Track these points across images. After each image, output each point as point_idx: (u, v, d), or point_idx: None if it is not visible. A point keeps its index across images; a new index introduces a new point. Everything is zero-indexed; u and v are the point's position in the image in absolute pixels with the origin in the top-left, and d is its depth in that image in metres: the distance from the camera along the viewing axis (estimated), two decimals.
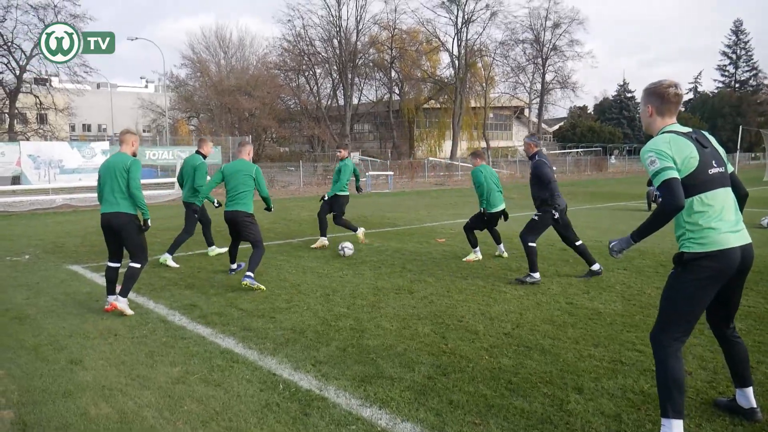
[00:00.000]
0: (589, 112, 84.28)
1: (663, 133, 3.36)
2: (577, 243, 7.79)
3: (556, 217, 7.54)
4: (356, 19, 50.84)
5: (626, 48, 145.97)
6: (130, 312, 5.99)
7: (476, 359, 4.69)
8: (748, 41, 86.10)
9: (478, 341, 5.12)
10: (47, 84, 36.23)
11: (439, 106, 58.71)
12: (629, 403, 3.86)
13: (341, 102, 53.63)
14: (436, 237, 11.42)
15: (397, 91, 57.41)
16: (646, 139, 3.71)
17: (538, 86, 60.65)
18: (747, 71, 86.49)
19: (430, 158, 46.71)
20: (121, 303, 5.99)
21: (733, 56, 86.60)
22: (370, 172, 31.87)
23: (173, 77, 55.50)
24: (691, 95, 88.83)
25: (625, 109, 79.97)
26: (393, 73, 55.81)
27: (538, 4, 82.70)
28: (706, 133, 3.44)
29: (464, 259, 8.99)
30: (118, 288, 6.14)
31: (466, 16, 53.24)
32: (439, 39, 55.27)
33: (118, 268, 6.28)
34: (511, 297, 6.65)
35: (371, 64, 54.68)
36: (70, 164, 21.94)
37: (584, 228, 12.61)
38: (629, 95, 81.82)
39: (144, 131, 56.96)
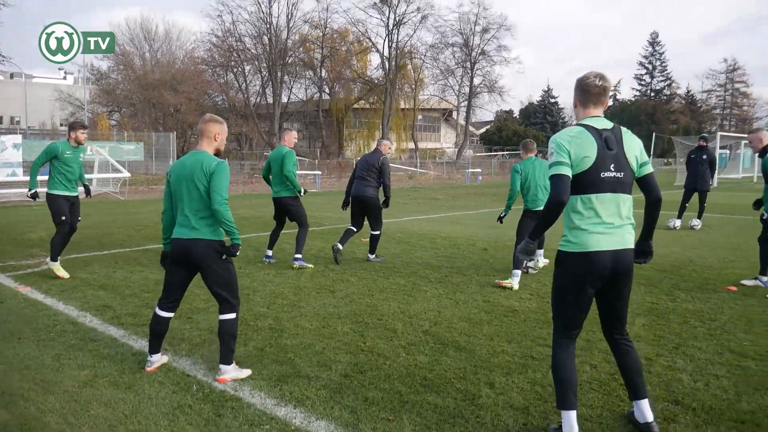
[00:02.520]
0: (515, 116, 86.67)
1: (578, 125, 3.38)
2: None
3: None
4: (287, 16, 50.55)
5: (554, 56, 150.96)
6: (245, 374, 4.37)
7: (393, 357, 4.75)
8: (663, 53, 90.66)
9: (396, 339, 5.19)
10: None
11: (369, 106, 58.97)
12: (537, 396, 4.02)
13: (270, 100, 53.04)
14: (360, 237, 11.45)
15: (327, 90, 57.29)
16: None
17: (467, 89, 61.81)
18: (662, 81, 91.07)
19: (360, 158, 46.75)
20: (230, 373, 4.30)
21: (650, 66, 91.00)
22: (299, 172, 31.55)
23: (94, 69, 53.45)
24: (611, 102, 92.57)
25: (549, 114, 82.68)
26: (323, 73, 55.64)
27: (467, 9, 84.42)
28: (627, 135, 3.38)
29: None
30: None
31: (397, 18, 53.72)
32: (370, 40, 55.57)
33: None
34: (431, 296, 6.77)
35: (301, 62, 54.37)
36: None
37: (505, 228, 12.97)
38: (553, 101, 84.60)
39: (61, 125, 54.51)
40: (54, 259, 7.47)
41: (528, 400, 3.95)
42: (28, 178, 9.02)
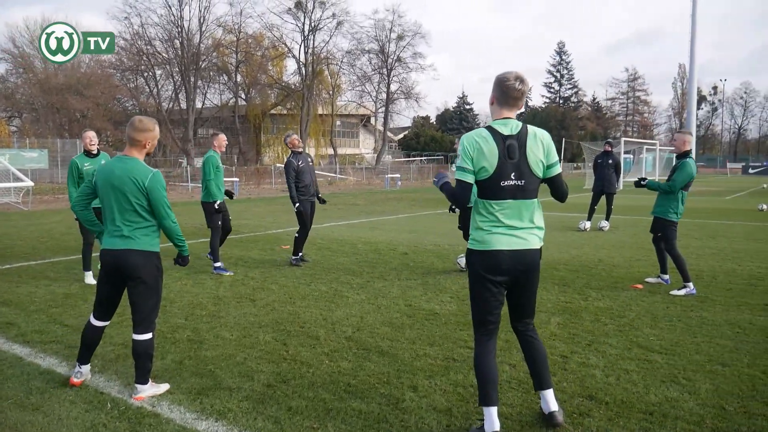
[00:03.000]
0: (431, 122, 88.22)
1: (486, 127, 3.47)
2: None
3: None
4: (199, 20, 49.40)
5: (468, 63, 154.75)
6: (163, 389, 4.18)
7: (316, 364, 4.72)
8: (569, 62, 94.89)
9: (319, 346, 5.16)
10: None
11: (286, 112, 58.48)
12: (459, 398, 4.09)
13: (184, 105, 51.59)
14: (281, 244, 11.33)
15: (243, 95, 56.35)
16: None
17: (384, 95, 62.44)
18: (569, 89, 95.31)
19: (278, 164, 46.28)
20: (147, 391, 4.09)
21: (558, 75, 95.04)
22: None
23: None
24: (522, 109, 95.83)
25: (465, 120, 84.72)
26: (239, 78, 54.70)
27: (383, 16, 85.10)
28: (531, 140, 3.41)
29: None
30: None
31: (312, 24, 53.63)
32: (285, 45, 55.15)
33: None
34: (353, 302, 6.76)
35: (216, 67, 53.25)
36: None
37: (425, 233, 13.17)
38: (468, 107, 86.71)
39: None
40: None
41: (451, 402, 4.01)
42: None
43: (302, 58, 54.13)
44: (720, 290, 7.36)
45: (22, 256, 9.75)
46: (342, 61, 58.11)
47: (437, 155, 67.49)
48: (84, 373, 4.29)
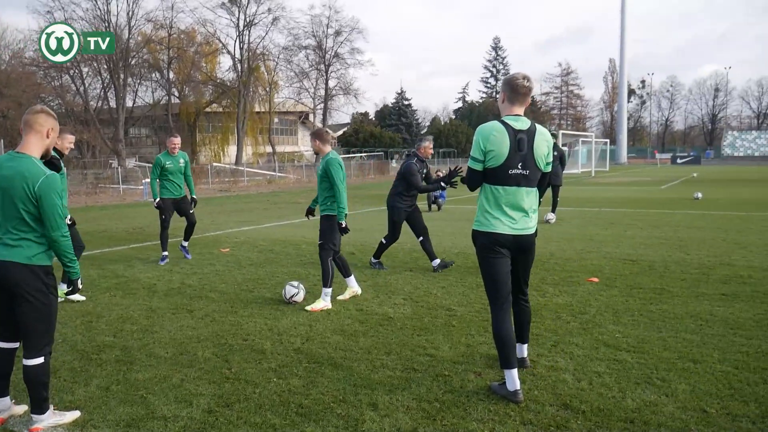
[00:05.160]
0: (370, 118, 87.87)
1: (500, 120, 3.86)
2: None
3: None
4: (128, 14, 47.22)
5: (406, 59, 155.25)
6: (70, 418, 3.67)
7: (263, 383, 4.23)
8: (505, 57, 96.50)
9: (265, 361, 4.67)
10: None
11: (222, 110, 56.97)
12: (425, 414, 3.69)
13: (113, 104, 49.46)
14: (220, 247, 10.71)
15: (176, 93, 54.53)
16: None
17: (322, 92, 61.68)
18: None
19: (215, 164, 45.00)
20: (46, 421, 3.57)
21: (494, 70, 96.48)
22: (148, 180, 29.57)
23: None
24: (460, 104, 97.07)
25: (404, 116, 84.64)
26: (171, 75, 52.89)
27: (319, 12, 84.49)
28: (539, 137, 3.87)
29: None
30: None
31: (247, 19, 52.43)
32: (220, 41, 53.74)
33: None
34: (300, 308, 6.28)
35: (147, 64, 51.29)
36: None
37: (371, 230, 12.76)
38: (407, 103, 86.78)
39: None
40: None
41: (416, 420, 3.61)
42: None
43: (237, 55, 52.86)
44: (675, 281, 7.24)
45: None
46: (279, 57, 57.04)
47: (377, 151, 67.18)
48: (4, 407, 3.67)
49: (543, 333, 5.28)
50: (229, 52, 53.64)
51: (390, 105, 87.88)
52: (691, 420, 3.57)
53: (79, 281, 3.68)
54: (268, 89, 56.96)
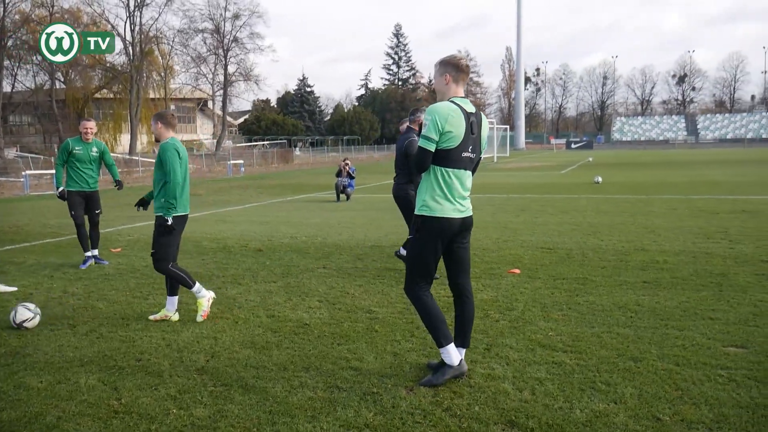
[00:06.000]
0: (272, 105, 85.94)
1: (452, 101, 3.76)
2: None
3: None
4: None
5: (308, 46, 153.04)
6: None
7: (161, 416, 3.55)
8: (407, 44, 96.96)
9: (163, 387, 3.97)
10: None
11: (113, 96, 53.74)
12: None
13: None
14: (110, 247, 9.70)
15: (61, 78, 50.82)
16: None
17: (221, 78, 59.39)
18: (407, 71, 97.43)
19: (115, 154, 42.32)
20: None
21: (396, 57, 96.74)
22: (30, 171, 27.30)
23: None
24: (363, 91, 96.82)
25: (306, 103, 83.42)
26: None
27: None
28: (484, 122, 3.94)
29: None
30: None
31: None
32: (108, 21, 50.39)
33: None
34: (196, 318, 5.56)
35: (26, 45, 47.33)
36: None
37: (277, 224, 12.06)
38: (309, 90, 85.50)
39: None
40: None
41: None
42: None
43: (128, 37, 49.84)
44: (596, 269, 7.10)
45: None
46: (174, 41, 54.35)
47: (280, 139, 65.73)
48: None
49: (473, 334, 4.86)
50: (119, 34, 50.43)
51: (292, 92, 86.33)
52: (646, 430, 3.25)
53: None
54: (163, 74, 54.21)
